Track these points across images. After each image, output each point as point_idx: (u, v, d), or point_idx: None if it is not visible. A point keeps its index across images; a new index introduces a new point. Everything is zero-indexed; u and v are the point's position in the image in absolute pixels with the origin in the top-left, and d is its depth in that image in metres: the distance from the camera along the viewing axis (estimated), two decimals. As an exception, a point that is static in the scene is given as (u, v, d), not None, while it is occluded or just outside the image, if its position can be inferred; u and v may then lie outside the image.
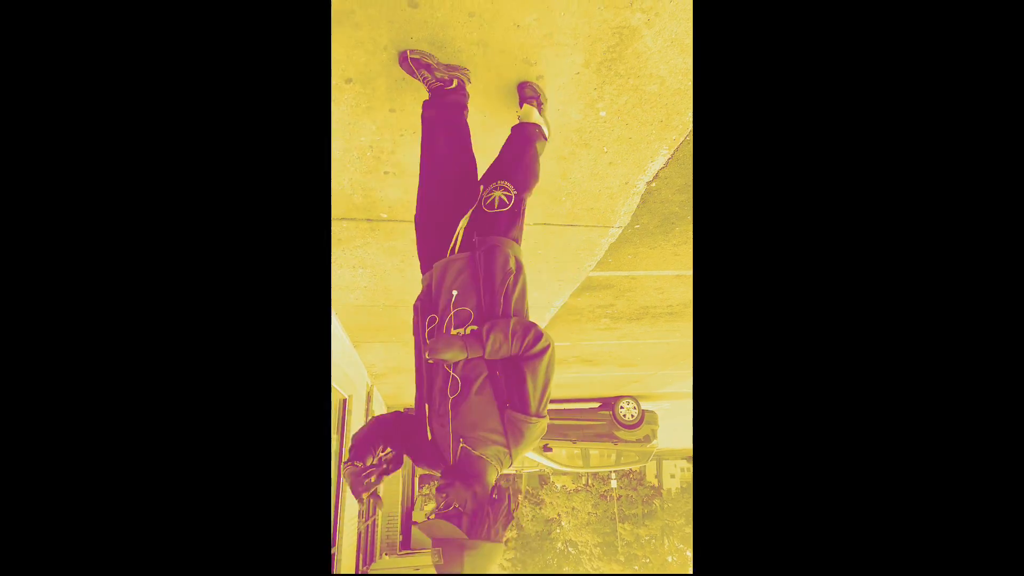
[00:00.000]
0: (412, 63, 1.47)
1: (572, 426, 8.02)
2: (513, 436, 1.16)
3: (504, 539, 1.13)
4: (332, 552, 4.73)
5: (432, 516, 1.11)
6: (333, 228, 2.45)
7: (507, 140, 1.57)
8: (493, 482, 1.17)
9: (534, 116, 1.57)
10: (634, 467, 9.60)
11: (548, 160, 2.02)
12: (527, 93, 1.61)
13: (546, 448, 8.26)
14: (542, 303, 3.76)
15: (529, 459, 8.73)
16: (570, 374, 6.46)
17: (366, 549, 6.59)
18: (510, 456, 1.18)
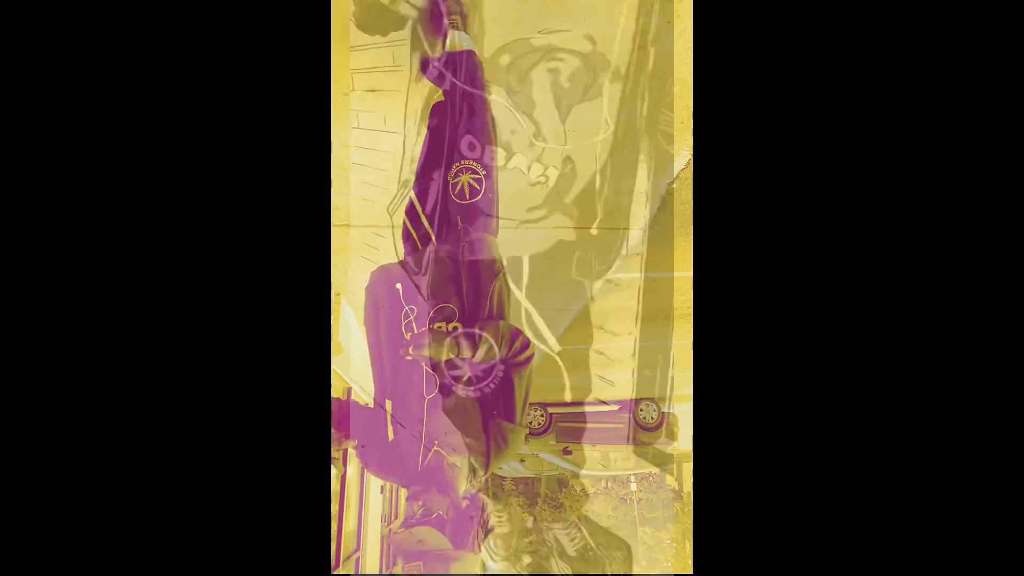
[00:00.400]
0: (434, 70, 1.49)
1: (592, 429, 7.96)
2: (497, 445, 1.08)
3: (479, 551, 1.05)
4: (356, 556, 4.77)
5: (405, 527, 1.00)
6: (355, 236, 2.48)
7: (451, 101, 1.37)
8: (463, 491, 1.09)
9: (465, 43, 1.36)
10: (654, 470, 9.50)
11: (565, 162, 2.03)
12: (448, 6, 1.35)
13: (566, 451, 8.21)
14: (562, 306, 3.76)
15: (548, 462, 8.68)
16: (589, 376, 6.43)
17: (390, 551, 6.63)
18: (487, 466, 1.09)
